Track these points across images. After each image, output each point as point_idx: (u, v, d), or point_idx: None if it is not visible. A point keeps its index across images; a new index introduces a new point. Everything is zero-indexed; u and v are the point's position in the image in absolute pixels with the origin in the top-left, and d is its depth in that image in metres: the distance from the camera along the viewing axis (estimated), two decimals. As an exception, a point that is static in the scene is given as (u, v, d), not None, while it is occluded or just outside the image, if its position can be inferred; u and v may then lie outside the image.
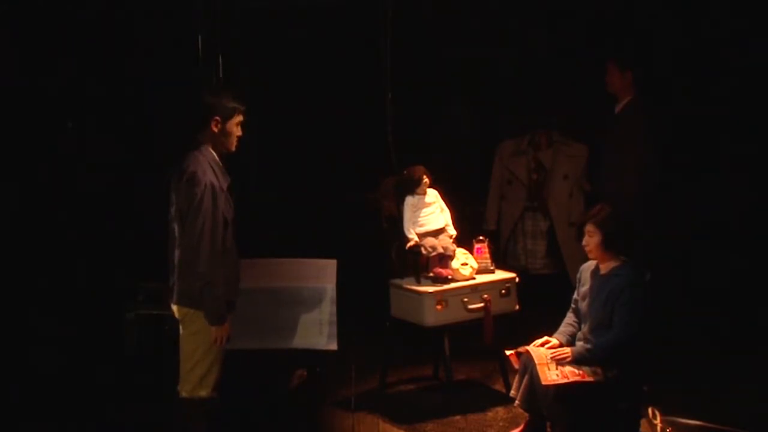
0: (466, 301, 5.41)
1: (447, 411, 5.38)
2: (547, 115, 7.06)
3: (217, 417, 4.56)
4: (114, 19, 6.65)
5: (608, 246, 4.72)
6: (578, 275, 4.99)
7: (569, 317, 4.98)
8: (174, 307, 4.48)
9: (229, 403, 4.80)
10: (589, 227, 4.73)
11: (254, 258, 5.20)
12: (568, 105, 7.06)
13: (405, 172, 5.68)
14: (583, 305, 4.83)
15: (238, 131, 4.49)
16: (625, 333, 4.60)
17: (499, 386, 5.72)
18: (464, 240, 5.66)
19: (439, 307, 5.34)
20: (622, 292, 4.62)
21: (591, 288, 4.80)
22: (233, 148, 4.53)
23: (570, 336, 4.89)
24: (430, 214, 5.57)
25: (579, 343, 4.77)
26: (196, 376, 4.44)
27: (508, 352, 4.92)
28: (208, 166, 4.35)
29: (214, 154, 4.44)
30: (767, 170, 6.72)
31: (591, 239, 4.73)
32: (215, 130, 4.42)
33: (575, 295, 4.97)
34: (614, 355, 4.62)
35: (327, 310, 5.25)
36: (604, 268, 4.77)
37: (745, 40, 6.62)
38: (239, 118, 4.48)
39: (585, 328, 4.80)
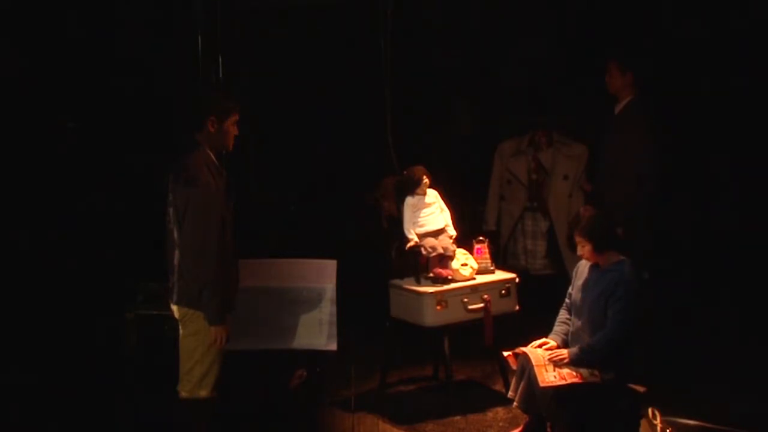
0: (466, 302, 5.41)
1: (447, 411, 5.38)
2: (547, 115, 7.06)
3: (217, 417, 4.56)
4: (114, 18, 6.65)
5: (601, 249, 4.73)
6: (575, 269, 5.00)
7: (562, 314, 4.99)
8: (174, 308, 4.49)
9: (229, 403, 4.80)
10: (578, 238, 4.75)
11: (254, 258, 5.19)
12: (568, 105, 7.06)
13: (405, 172, 5.68)
14: (578, 298, 4.83)
15: (234, 130, 4.50)
16: (619, 330, 4.61)
17: (498, 387, 5.73)
18: (464, 240, 5.66)
19: (438, 307, 5.34)
20: (616, 287, 4.63)
21: (587, 281, 4.81)
22: (230, 148, 4.54)
23: (565, 335, 4.91)
24: (430, 215, 5.57)
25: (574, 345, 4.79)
26: (195, 376, 4.44)
27: (505, 353, 4.94)
28: (204, 166, 4.36)
29: (211, 154, 4.45)
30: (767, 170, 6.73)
31: (584, 248, 4.76)
32: (212, 130, 4.43)
33: (570, 289, 4.98)
34: (609, 353, 4.63)
35: (327, 310, 5.25)
36: (604, 263, 4.78)
37: (746, 40, 6.62)
38: (235, 117, 4.49)
39: (578, 323, 4.81)
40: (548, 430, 4.80)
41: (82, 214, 6.56)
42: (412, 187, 5.56)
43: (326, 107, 7.33)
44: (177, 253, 4.37)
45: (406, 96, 6.65)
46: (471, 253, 5.63)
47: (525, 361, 4.75)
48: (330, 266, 5.29)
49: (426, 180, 5.55)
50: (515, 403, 4.80)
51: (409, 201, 5.56)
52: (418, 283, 5.48)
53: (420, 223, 5.55)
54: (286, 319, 5.24)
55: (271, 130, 7.06)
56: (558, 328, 4.95)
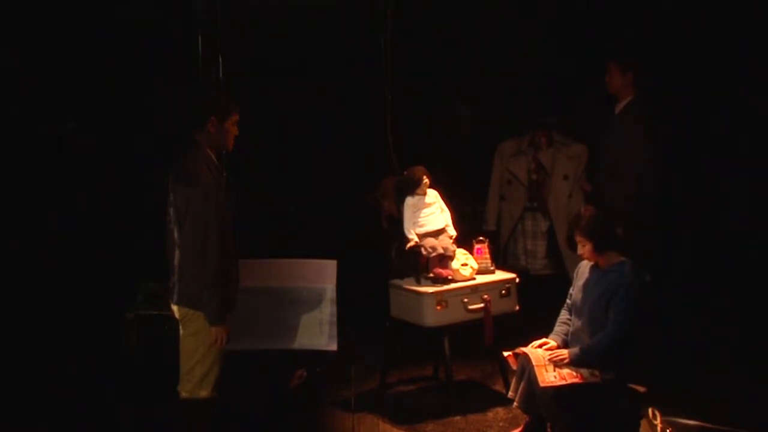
0: (466, 302, 5.41)
1: (447, 411, 5.38)
2: (547, 115, 7.06)
3: (217, 417, 4.56)
4: (114, 19, 6.65)
5: (601, 249, 4.73)
6: (576, 269, 5.01)
7: (563, 315, 5.00)
8: (174, 308, 4.49)
9: (229, 403, 4.80)
10: (578, 237, 4.76)
11: (254, 258, 5.19)
12: (568, 105, 7.06)
13: (405, 172, 5.69)
14: (579, 298, 4.84)
15: (234, 130, 4.50)
16: (620, 331, 4.61)
17: (499, 387, 5.73)
18: (464, 240, 5.66)
19: (439, 307, 5.34)
20: (618, 288, 4.64)
21: (588, 281, 4.82)
22: (230, 148, 4.55)
23: (565, 335, 4.91)
24: (430, 215, 5.57)
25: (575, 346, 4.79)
26: (196, 376, 4.44)
27: (505, 354, 4.94)
28: (205, 166, 4.36)
29: (211, 154, 4.45)
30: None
31: (584, 248, 4.77)
32: (212, 130, 4.43)
33: (571, 290, 4.98)
34: (610, 354, 4.63)
35: (327, 310, 5.25)
36: (605, 264, 4.78)
37: (746, 40, 6.62)
38: (235, 117, 4.49)
39: (579, 323, 4.81)
40: (548, 430, 4.80)
41: (82, 214, 6.56)
42: (412, 187, 5.56)
43: (326, 107, 7.33)
44: (177, 253, 4.37)
45: (406, 96, 6.65)
46: (471, 253, 5.63)
47: (525, 361, 4.75)
48: (330, 266, 5.29)
49: (426, 180, 5.55)
50: (515, 403, 4.80)
51: (409, 201, 5.56)
52: (418, 283, 5.48)
53: (420, 223, 5.55)
54: (286, 319, 5.24)
55: (271, 130, 7.06)
56: (558, 328, 4.96)
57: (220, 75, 6.17)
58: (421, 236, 5.51)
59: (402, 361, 6.04)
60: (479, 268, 5.60)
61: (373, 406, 5.53)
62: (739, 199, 6.86)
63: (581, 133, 6.98)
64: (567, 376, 4.62)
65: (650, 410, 4.86)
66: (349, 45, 7.09)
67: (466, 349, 5.95)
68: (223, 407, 4.60)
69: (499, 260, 6.48)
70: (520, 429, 4.93)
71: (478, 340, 5.46)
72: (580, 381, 4.61)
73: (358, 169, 7.09)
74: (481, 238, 5.72)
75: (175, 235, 4.37)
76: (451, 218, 5.64)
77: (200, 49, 6.12)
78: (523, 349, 4.85)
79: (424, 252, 5.47)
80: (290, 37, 7.23)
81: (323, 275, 5.28)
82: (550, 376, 4.62)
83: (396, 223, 5.76)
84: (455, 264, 5.51)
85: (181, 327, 4.50)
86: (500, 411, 5.39)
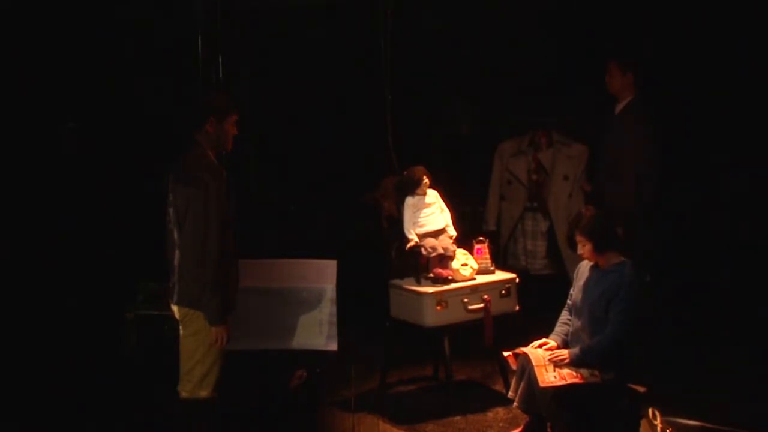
0: (466, 302, 5.41)
1: (447, 411, 5.38)
2: (547, 115, 7.05)
3: (217, 417, 4.56)
4: (114, 19, 6.66)
5: (601, 249, 4.73)
6: (576, 269, 5.01)
7: (564, 315, 5.00)
8: (174, 308, 4.49)
9: (229, 403, 4.80)
10: (578, 237, 4.76)
11: (254, 258, 5.20)
12: (568, 105, 7.06)
13: (405, 172, 5.69)
14: (579, 298, 4.84)
15: (233, 130, 4.51)
16: (620, 331, 4.61)
17: (499, 387, 5.73)
18: (464, 240, 5.66)
19: (439, 307, 5.34)
20: (618, 288, 4.64)
21: (588, 281, 4.82)
22: (229, 148, 4.55)
23: (565, 335, 4.91)
24: (430, 215, 5.57)
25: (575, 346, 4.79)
26: (196, 376, 4.44)
27: (505, 354, 4.94)
28: (204, 166, 4.36)
29: (211, 154, 4.45)
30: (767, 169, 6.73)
31: (584, 248, 4.77)
32: (210, 130, 4.43)
33: (571, 290, 4.98)
34: (610, 354, 4.63)
35: (327, 310, 5.25)
36: (604, 264, 4.78)
37: (746, 40, 6.62)
38: (234, 117, 4.49)
39: (578, 323, 4.81)
40: (548, 430, 4.80)
41: (82, 214, 6.57)
42: (412, 187, 5.56)
43: (326, 107, 7.33)
44: (177, 253, 4.37)
45: (406, 96, 6.65)
46: (471, 253, 5.63)
47: (525, 361, 4.75)
48: (330, 266, 5.29)
49: (426, 180, 5.55)
50: (515, 403, 4.80)
51: (409, 201, 5.56)
52: (418, 283, 5.48)
53: (420, 224, 5.55)
54: (286, 319, 5.24)
55: (271, 130, 7.06)
56: (559, 328, 4.96)
57: (220, 75, 6.17)
58: (421, 236, 5.51)
59: (402, 361, 6.04)
60: (479, 268, 5.60)
61: (373, 406, 5.53)
62: (739, 199, 6.86)
63: (581, 133, 6.98)
64: (567, 376, 4.62)
65: (650, 410, 4.86)
66: (349, 45, 7.09)
67: (466, 349, 5.95)
68: (223, 407, 4.60)
69: (499, 260, 6.48)
70: (520, 429, 4.93)
71: (478, 340, 5.46)
72: (580, 381, 4.61)
73: (358, 169, 7.09)
74: (481, 238, 5.72)
75: (175, 235, 4.37)
76: (451, 218, 5.64)
77: (200, 49, 6.12)
78: (523, 349, 4.85)
79: (424, 252, 5.47)
80: (290, 37, 7.23)
81: (323, 275, 5.27)
82: (550, 376, 4.62)
83: (396, 223, 5.76)
84: (455, 264, 5.51)
85: (181, 327, 4.50)
86: (500, 411, 5.39)
